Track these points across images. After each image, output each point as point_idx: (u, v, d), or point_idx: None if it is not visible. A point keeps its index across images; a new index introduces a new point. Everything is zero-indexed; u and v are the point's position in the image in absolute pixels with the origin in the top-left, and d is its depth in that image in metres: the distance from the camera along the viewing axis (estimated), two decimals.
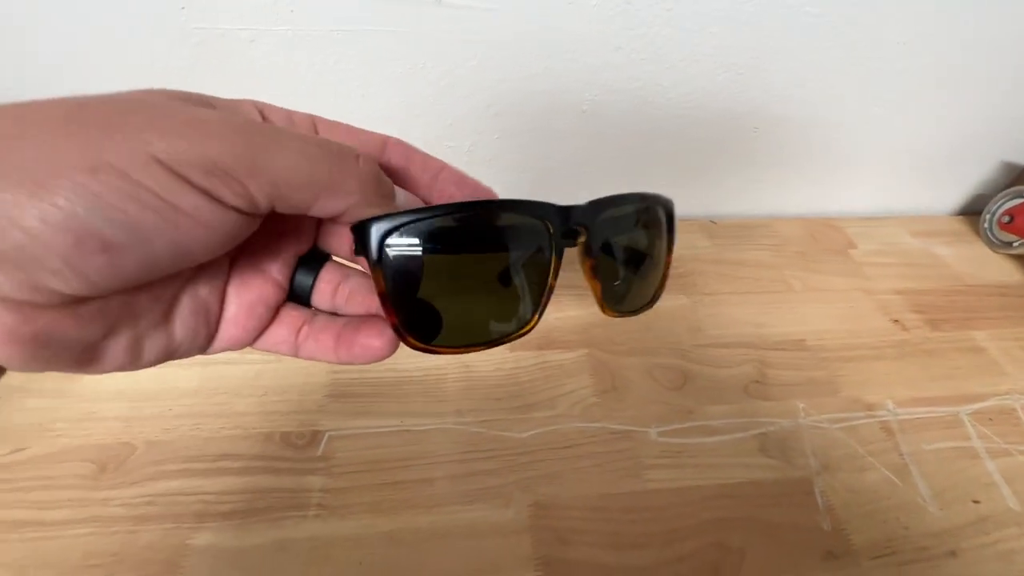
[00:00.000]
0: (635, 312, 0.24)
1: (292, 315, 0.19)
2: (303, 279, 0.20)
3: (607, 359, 0.40)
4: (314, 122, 0.19)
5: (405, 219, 0.17)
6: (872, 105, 0.50)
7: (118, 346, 0.15)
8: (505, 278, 0.19)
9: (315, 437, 0.34)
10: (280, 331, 0.19)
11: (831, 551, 0.30)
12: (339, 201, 0.16)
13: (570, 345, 0.41)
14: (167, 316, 0.16)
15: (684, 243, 0.53)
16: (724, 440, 0.36)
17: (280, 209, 0.15)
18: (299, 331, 0.19)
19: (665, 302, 0.47)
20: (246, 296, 0.18)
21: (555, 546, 0.30)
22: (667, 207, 0.23)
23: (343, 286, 0.20)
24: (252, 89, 0.41)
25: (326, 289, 0.20)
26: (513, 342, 0.20)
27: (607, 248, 0.21)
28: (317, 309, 0.20)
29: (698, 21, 0.42)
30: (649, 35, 0.42)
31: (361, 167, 0.16)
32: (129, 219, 0.13)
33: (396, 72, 0.42)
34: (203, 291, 0.17)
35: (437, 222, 0.17)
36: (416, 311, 0.18)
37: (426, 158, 0.20)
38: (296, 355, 0.19)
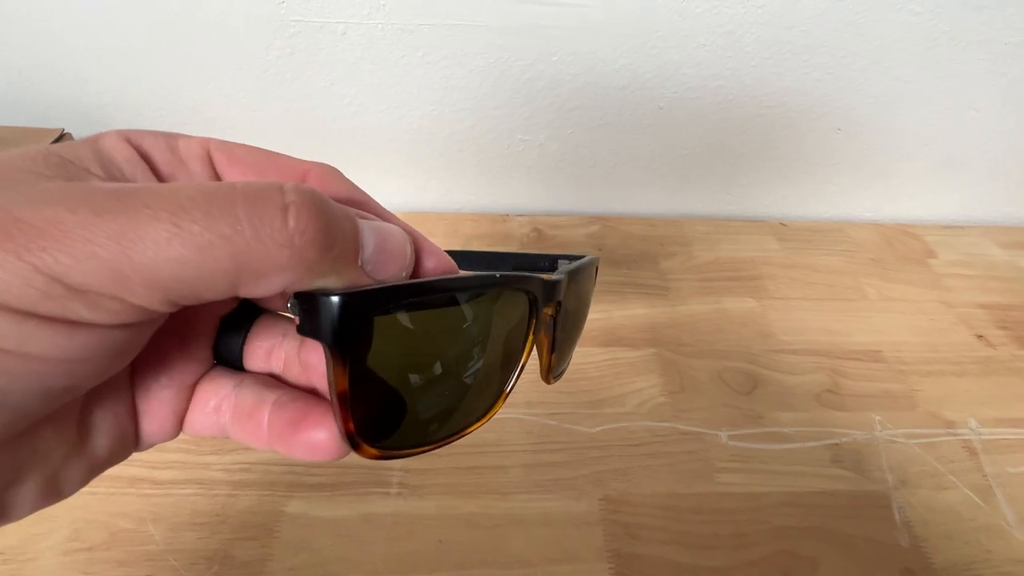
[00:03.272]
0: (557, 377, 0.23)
1: (209, 391, 0.15)
2: (230, 341, 0.16)
3: (675, 359, 0.41)
4: (207, 151, 0.14)
5: (380, 295, 0.13)
6: (968, 109, 0.48)
7: (28, 493, 0.12)
8: (482, 359, 0.17)
9: None
10: (198, 420, 0.15)
11: (909, 568, 0.30)
12: (268, 284, 0.11)
13: (637, 343, 0.42)
14: (81, 441, 0.13)
15: (753, 245, 0.52)
16: (795, 448, 0.35)
17: (191, 303, 0.11)
18: (219, 411, 0.15)
19: (733, 305, 0.47)
20: (155, 383, 0.14)
21: (626, 540, 0.30)
22: (596, 266, 0.23)
23: (278, 349, 0.16)
24: (340, 79, 0.42)
25: (258, 353, 0.16)
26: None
27: (564, 319, 0.20)
28: (245, 377, 0.16)
29: (790, 19, 0.41)
30: (737, 32, 0.41)
31: (291, 225, 0.10)
32: None
33: (480, 65, 0.42)
34: (111, 396, 0.14)
35: (418, 300, 0.14)
36: (383, 413, 0.14)
37: (356, 194, 0.15)
38: (231, 439, 0.15)
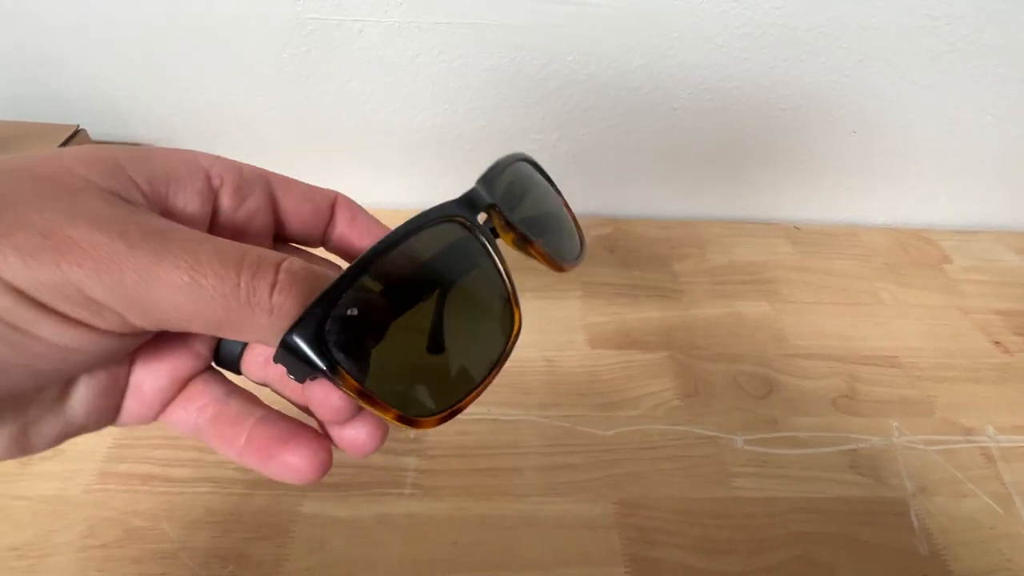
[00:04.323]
0: (577, 262, 0.23)
1: (200, 391, 0.16)
2: (231, 345, 0.17)
3: (689, 363, 0.40)
4: (267, 177, 0.16)
5: (328, 304, 0.13)
6: (983, 114, 0.47)
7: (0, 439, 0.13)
8: (464, 297, 0.17)
9: None
10: (179, 414, 0.16)
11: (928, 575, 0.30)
12: (247, 336, 0.13)
13: (651, 346, 0.41)
14: (61, 399, 0.14)
15: (766, 248, 0.51)
16: (812, 453, 0.35)
17: (178, 331, 0.13)
18: (202, 411, 0.16)
19: (747, 308, 0.47)
20: (153, 368, 0.15)
21: (642, 545, 0.30)
22: (529, 160, 0.23)
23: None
24: (355, 77, 0.42)
25: (257, 361, 0.16)
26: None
27: (520, 213, 0.20)
28: (237, 390, 0.16)
29: (807, 21, 0.40)
30: (755, 34, 0.41)
31: (275, 301, 0.12)
32: None
33: (495, 64, 0.42)
34: (105, 370, 0.14)
35: (366, 283, 0.14)
36: (409, 385, 0.15)
37: (371, 224, 0.18)
38: (201, 439, 0.16)
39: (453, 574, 0.28)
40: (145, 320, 0.12)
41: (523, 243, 0.20)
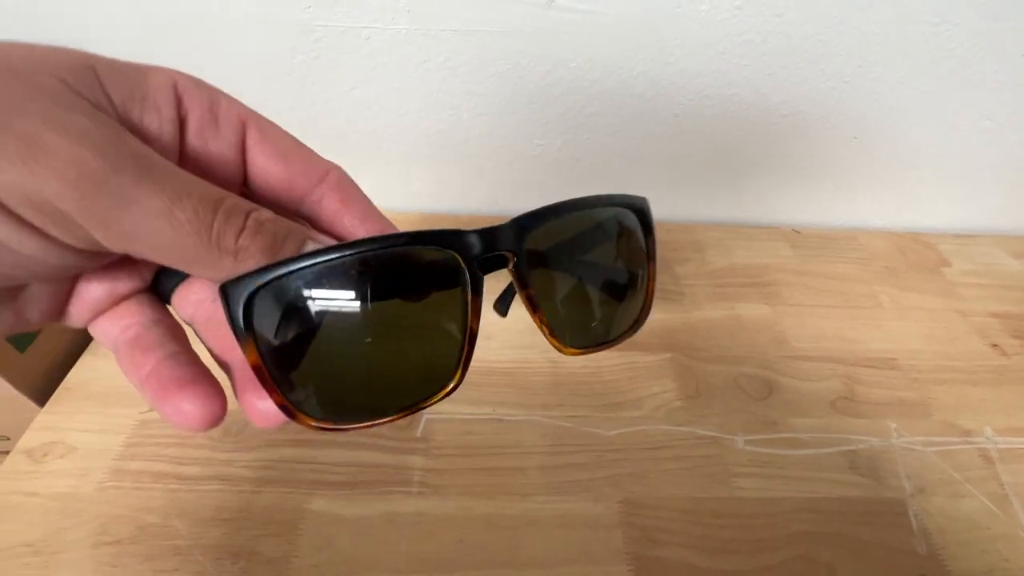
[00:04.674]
0: (610, 342, 0.20)
1: (132, 311, 0.16)
2: (171, 276, 0.17)
3: (691, 364, 0.41)
4: (244, 123, 0.15)
5: (274, 274, 0.13)
6: (983, 119, 0.48)
7: None
8: (415, 329, 0.16)
9: (414, 419, 0.36)
10: (105, 325, 0.16)
11: (926, 575, 0.30)
12: (209, 275, 0.13)
13: (653, 348, 0.42)
14: (12, 298, 0.14)
15: (766, 251, 0.52)
16: (812, 454, 0.36)
17: (142, 259, 0.13)
18: (125, 330, 0.16)
19: (748, 311, 0.47)
20: (97, 278, 0.16)
21: (645, 543, 0.31)
22: (636, 208, 0.19)
23: (208, 306, 0.16)
24: (361, 83, 0.43)
25: (190, 299, 0.17)
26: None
27: (547, 272, 0.18)
28: (164, 322, 0.16)
29: (808, 28, 0.41)
30: (755, 41, 0.42)
31: (240, 244, 0.13)
32: None
33: (500, 70, 0.43)
34: (59, 279, 0.15)
35: (318, 273, 0.14)
36: (303, 384, 0.15)
37: (366, 206, 0.17)
38: (116, 358, 0.16)
39: (458, 572, 0.29)
40: (112, 243, 0.12)
41: (530, 306, 0.18)
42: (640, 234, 0.20)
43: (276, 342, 0.14)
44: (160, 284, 0.17)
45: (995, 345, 0.44)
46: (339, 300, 0.14)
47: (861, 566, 0.30)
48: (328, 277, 0.14)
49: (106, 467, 0.32)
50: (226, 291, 0.13)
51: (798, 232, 0.55)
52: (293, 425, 0.34)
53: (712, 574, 0.29)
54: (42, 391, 0.35)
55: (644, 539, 0.31)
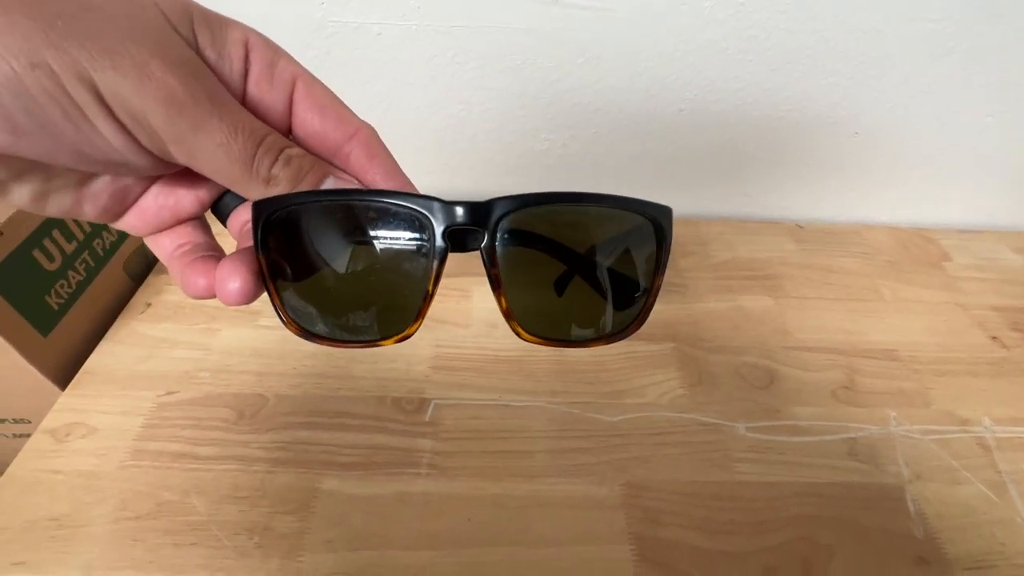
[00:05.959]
0: (587, 342, 0.19)
1: (188, 233, 0.19)
2: (229, 201, 0.19)
3: (694, 354, 0.42)
4: (295, 80, 0.17)
5: (288, 202, 0.17)
6: (984, 115, 0.48)
7: (23, 190, 0.16)
8: (385, 276, 0.18)
9: (422, 404, 0.37)
10: (165, 240, 0.19)
11: (923, 557, 0.31)
12: (248, 194, 0.17)
13: (656, 338, 0.43)
14: (81, 186, 0.17)
15: (770, 245, 0.53)
16: (812, 441, 0.36)
17: (195, 171, 0.16)
18: (179, 248, 0.19)
19: (750, 303, 0.48)
20: (163, 199, 0.18)
21: (647, 524, 0.31)
22: (655, 218, 0.18)
23: (247, 226, 0.18)
24: (373, 78, 0.44)
25: (240, 219, 0.19)
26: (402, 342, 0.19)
27: (522, 256, 0.18)
28: (210, 245, 0.19)
29: (812, 25, 0.42)
30: (759, 37, 0.42)
31: (273, 173, 0.16)
32: (46, 120, 0.13)
33: (508, 67, 0.44)
34: (126, 179, 0.18)
35: (315, 208, 0.17)
36: (293, 296, 0.18)
37: (391, 166, 0.19)
38: (170, 269, 0.19)
39: (467, 548, 0.30)
40: (181, 156, 0.15)
41: (493, 284, 0.18)
42: (650, 247, 0.19)
43: (280, 253, 0.18)
44: (219, 209, 0.20)
45: (995, 337, 0.45)
46: (331, 233, 0.18)
47: (860, 548, 0.31)
48: (326, 213, 0.17)
49: (126, 447, 0.33)
50: (256, 208, 0.17)
51: (801, 227, 0.56)
52: (306, 408, 0.35)
53: (713, 554, 0.30)
54: (64, 374, 0.37)
55: (646, 520, 0.32)
